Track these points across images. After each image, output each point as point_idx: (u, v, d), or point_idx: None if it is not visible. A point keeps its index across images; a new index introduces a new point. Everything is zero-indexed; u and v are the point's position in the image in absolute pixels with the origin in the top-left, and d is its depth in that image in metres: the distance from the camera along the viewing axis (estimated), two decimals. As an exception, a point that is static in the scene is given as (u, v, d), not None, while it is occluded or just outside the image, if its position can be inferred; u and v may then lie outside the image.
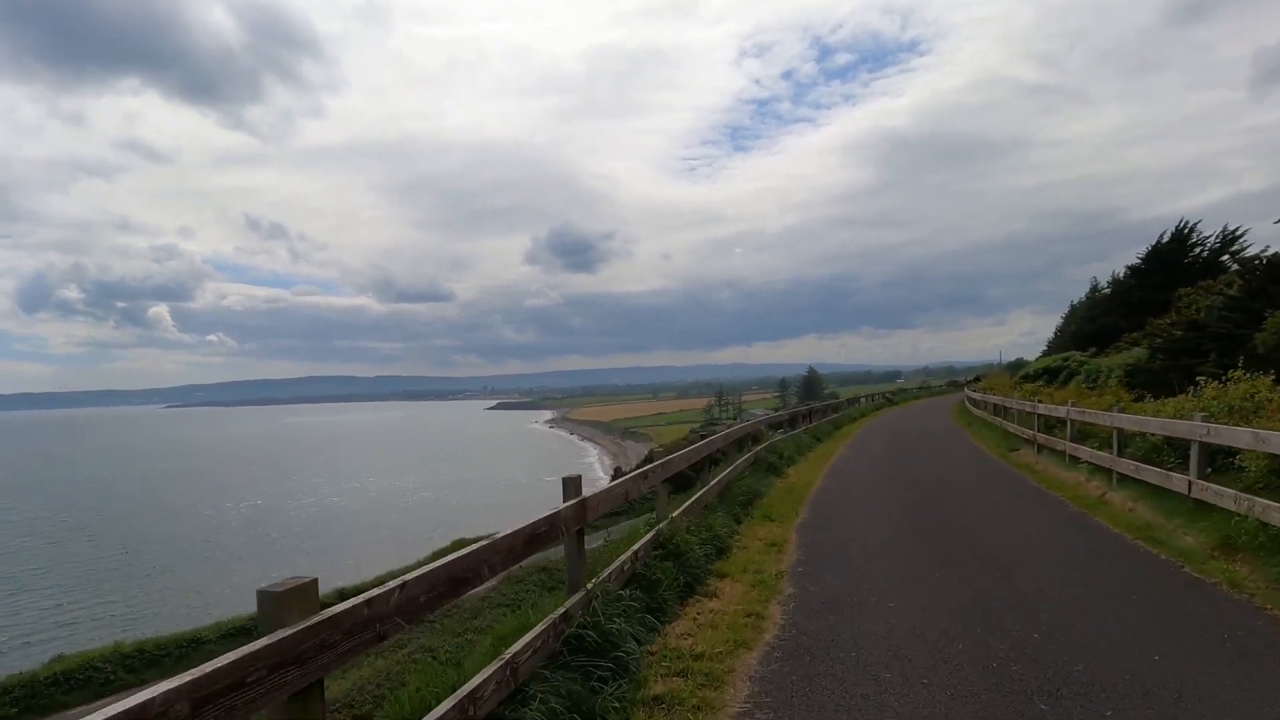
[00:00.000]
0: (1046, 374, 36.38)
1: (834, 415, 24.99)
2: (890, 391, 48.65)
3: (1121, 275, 41.38)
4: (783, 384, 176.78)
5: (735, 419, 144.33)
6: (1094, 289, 54.75)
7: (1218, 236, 33.68)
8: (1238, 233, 32.89)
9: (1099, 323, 37.55)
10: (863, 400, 38.21)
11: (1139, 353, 25.42)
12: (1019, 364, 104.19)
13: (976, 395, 24.94)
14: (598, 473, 70.78)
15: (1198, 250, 34.23)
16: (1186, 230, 34.61)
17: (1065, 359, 35.64)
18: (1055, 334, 75.12)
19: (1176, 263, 34.66)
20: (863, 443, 18.17)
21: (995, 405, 19.38)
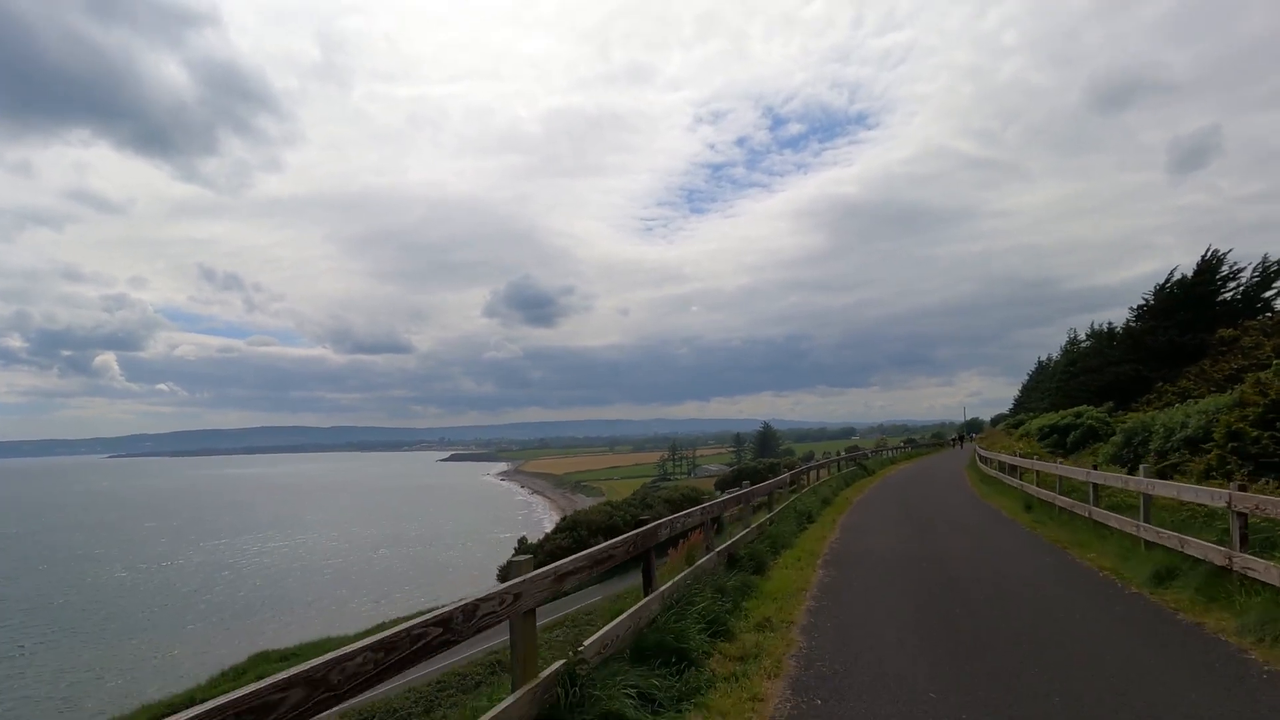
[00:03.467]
0: (1054, 433, 28.81)
1: (769, 513, 10.54)
2: (852, 452, 40.02)
3: (1128, 321, 34.49)
4: (738, 439, 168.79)
5: (689, 474, 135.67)
6: (1072, 341, 48.30)
7: (1256, 270, 26.85)
8: (1282, 264, 26.06)
9: (1109, 373, 30.14)
10: (821, 469, 23.12)
11: (1209, 405, 17.26)
12: (976, 423, 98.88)
13: (1078, 474, 9.30)
14: (545, 529, 63.43)
15: (1233, 286, 27.31)
16: (1214, 262, 27.72)
17: (1078, 415, 28.05)
18: (1021, 391, 69.41)
19: (1205, 300, 27.71)
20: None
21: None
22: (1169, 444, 16.49)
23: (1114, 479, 7.95)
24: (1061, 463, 12.00)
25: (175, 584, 45.50)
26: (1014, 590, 6.51)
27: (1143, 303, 33.98)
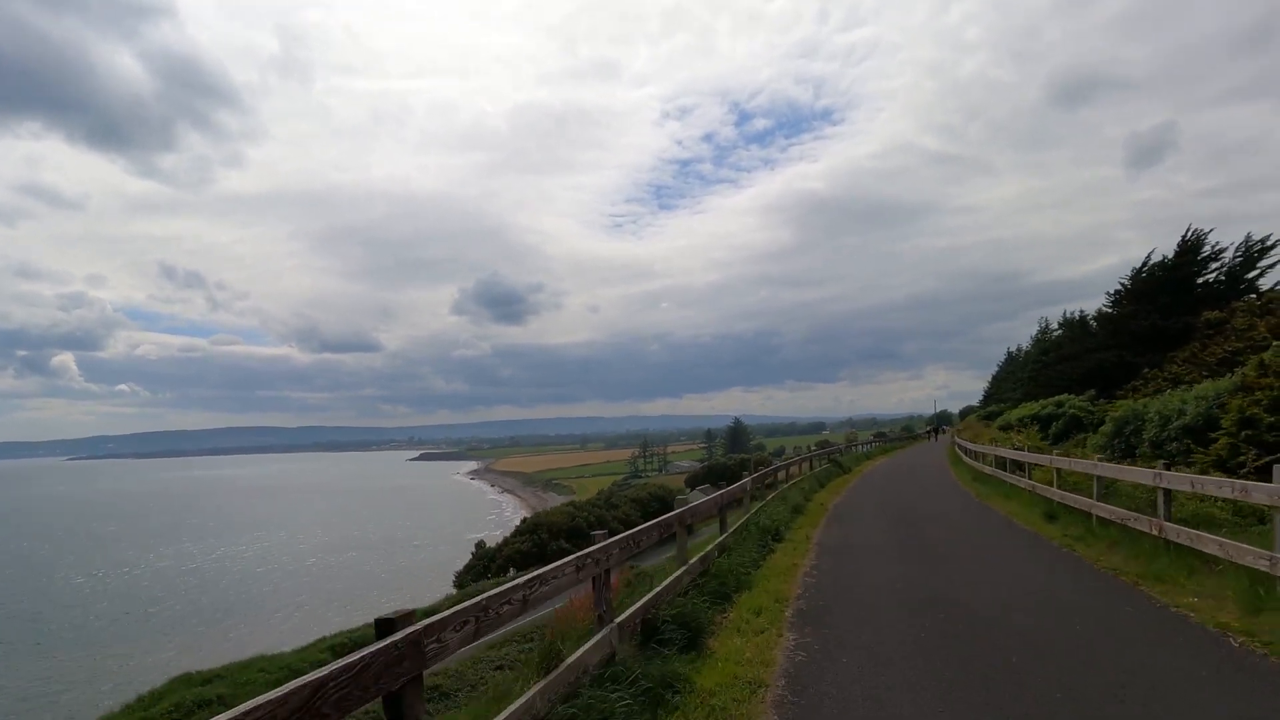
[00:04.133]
0: (1036, 422, 27.07)
1: (723, 532, 8.31)
2: (823, 446, 37.79)
3: (1103, 308, 32.93)
4: (709, 435, 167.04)
5: (660, 471, 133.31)
6: (1043, 330, 46.95)
7: (1239, 250, 25.22)
8: (1267, 242, 24.42)
9: (1090, 360, 28.39)
10: (792, 467, 19.41)
11: (1207, 390, 15.30)
12: (945, 415, 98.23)
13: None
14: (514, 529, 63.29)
15: (1215, 267, 25.70)
16: (1195, 241, 26.06)
17: (1059, 404, 26.30)
18: (991, 383, 68.31)
19: (1186, 282, 26.08)
20: None
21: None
22: (1165, 433, 14.50)
23: (1215, 484, 5.28)
24: (1101, 460, 9.35)
25: (135, 591, 43.31)
26: (1111, 682, 3.78)
27: (1119, 288, 32.44)
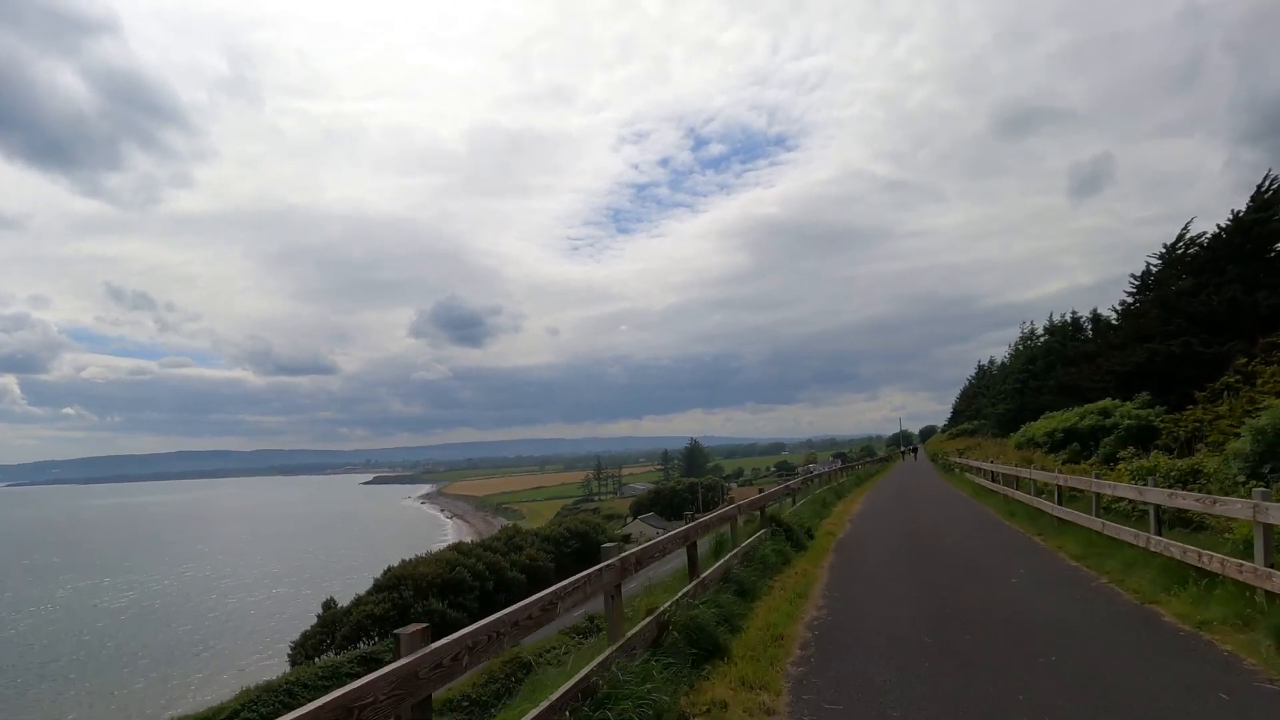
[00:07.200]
0: (1072, 438, 18.98)
1: None
2: (782, 471, 29.01)
3: (1129, 293, 25.53)
4: (665, 456, 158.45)
5: (615, 493, 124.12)
6: (1029, 335, 39.89)
7: (1336, 199, 17.94)
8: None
9: (1123, 356, 20.59)
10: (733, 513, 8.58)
11: None
12: (906, 435, 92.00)
13: None
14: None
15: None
16: (1277, 193, 18.71)
17: (1105, 413, 18.21)
18: (960, 399, 61.63)
19: (1261, 245, 18.77)
20: None
21: None
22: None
23: None
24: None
25: (36, 637, 38.51)
26: None
27: (1147, 266, 25.23)
